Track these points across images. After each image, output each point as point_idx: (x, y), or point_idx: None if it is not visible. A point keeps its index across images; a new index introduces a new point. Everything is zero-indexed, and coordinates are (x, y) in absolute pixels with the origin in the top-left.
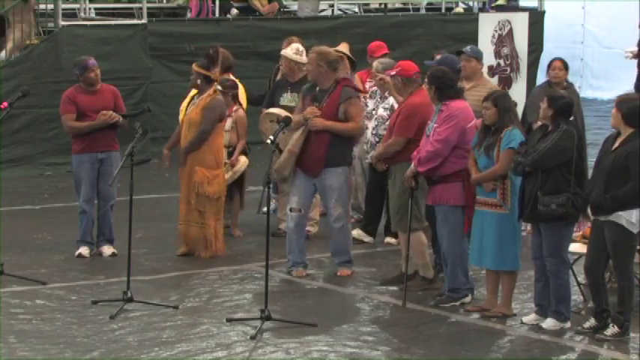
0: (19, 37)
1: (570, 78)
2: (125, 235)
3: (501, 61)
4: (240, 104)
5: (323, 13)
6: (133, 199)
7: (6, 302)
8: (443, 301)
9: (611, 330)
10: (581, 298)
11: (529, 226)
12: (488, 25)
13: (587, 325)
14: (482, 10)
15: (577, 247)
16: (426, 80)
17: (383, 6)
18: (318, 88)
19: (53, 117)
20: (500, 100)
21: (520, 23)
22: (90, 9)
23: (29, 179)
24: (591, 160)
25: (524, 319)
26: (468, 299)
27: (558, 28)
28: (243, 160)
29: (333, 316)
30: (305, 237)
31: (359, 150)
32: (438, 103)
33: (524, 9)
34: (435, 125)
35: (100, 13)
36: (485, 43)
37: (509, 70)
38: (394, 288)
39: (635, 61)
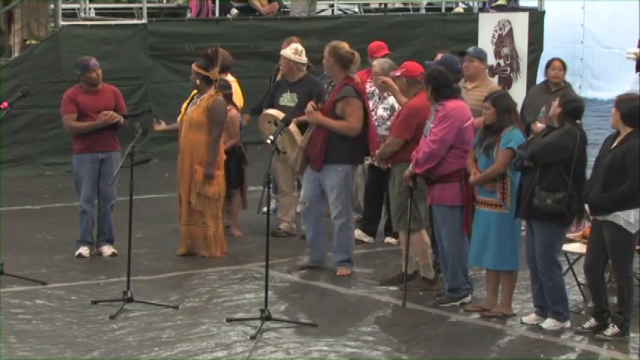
0: (27, 32)
1: (570, 78)
2: (125, 235)
3: (501, 61)
4: (234, 104)
5: (323, 13)
6: (133, 199)
7: (6, 302)
8: (443, 301)
9: (611, 330)
10: (581, 298)
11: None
12: (488, 25)
13: (587, 325)
14: (482, 10)
15: (577, 247)
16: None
17: (383, 6)
18: (333, 84)
19: (53, 117)
20: (499, 101)
21: (520, 23)
22: (90, 9)
23: (29, 179)
24: (591, 160)
25: (524, 319)
26: (467, 299)
27: (558, 28)
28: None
29: (333, 316)
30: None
31: None
32: (434, 103)
33: (524, 9)
34: (432, 126)
35: (100, 13)
36: (485, 43)
37: (509, 70)
38: (394, 288)
39: (634, 62)
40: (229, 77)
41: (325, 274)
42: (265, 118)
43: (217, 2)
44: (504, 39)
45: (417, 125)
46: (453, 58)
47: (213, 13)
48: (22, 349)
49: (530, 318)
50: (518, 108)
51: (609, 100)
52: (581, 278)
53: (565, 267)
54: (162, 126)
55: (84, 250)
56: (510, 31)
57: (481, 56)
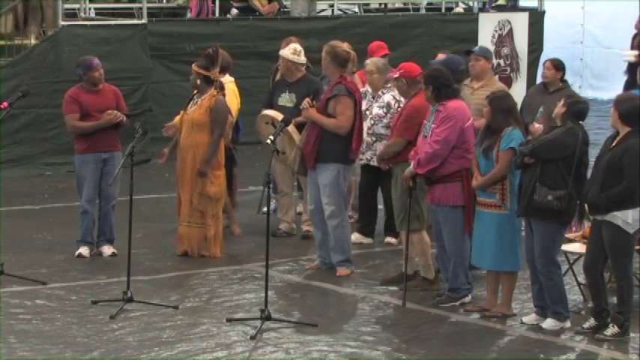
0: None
1: (570, 78)
2: (125, 235)
3: (501, 61)
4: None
5: (323, 13)
6: (133, 199)
7: (6, 302)
8: (443, 301)
9: (611, 330)
10: (581, 298)
11: None
12: (488, 25)
13: (586, 325)
14: (482, 10)
15: (577, 247)
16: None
17: (383, 6)
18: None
19: (53, 117)
20: (495, 101)
21: (520, 23)
22: (90, 9)
23: (29, 179)
24: (591, 160)
25: (524, 319)
26: (467, 299)
27: (558, 28)
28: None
29: (333, 316)
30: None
31: None
32: (434, 103)
33: (524, 9)
34: (433, 126)
35: (100, 13)
36: (486, 43)
37: (509, 70)
38: (394, 288)
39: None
40: (227, 78)
41: (325, 274)
42: (263, 119)
43: (217, 2)
44: (504, 39)
45: (420, 125)
46: (456, 59)
47: (213, 13)
48: (22, 349)
49: (530, 318)
50: (518, 108)
51: (609, 100)
52: (581, 278)
53: (565, 267)
54: (166, 155)
55: (84, 250)
56: (510, 31)
57: (487, 55)
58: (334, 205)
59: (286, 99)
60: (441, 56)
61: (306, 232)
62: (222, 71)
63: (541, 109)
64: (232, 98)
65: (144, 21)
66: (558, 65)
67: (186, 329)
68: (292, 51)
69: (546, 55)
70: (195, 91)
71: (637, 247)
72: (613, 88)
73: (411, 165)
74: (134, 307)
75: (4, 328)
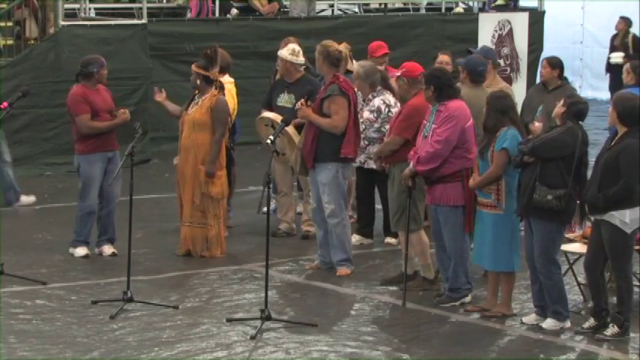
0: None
1: (570, 78)
2: (125, 235)
3: (501, 61)
4: None
5: (323, 13)
6: (133, 199)
7: (6, 302)
8: (443, 301)
9: (611, 330)
10: (581, 298)
11: None
12: (488, 25)
13: (586, 325)
14: (482, 10)
15: (577, 247)
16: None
17: (383, 6)
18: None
19: (53, 117)
20: (491, 101)
21: (520, 23)
22: (90, 9)
23: (29, 179)
24: (591, 160)
25: (525, 319)
26: (467, 299)
27: (558, 28)
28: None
29: (333, 316)
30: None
31: None
32: (435, 103)
33: (524, 9)
34: (434, 126)
35: (100, 13)
36: (486, 43)
37: (509, 70)
38: (394, 288)
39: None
40: (227, 78)
41: (325, 274)
42: (262, 121)
43: (217, 2)
44: (504, 39)
45: (419, 125)
46: (478, 59)
47: (213, 13)
48: (22, 349)
49: (530, 318)
50: (518, 108)
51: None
52: (581, 278)
53: (565, 267)
54: (162, 96)
55: (83, 250)
56: (510, 31)
57: (488, 55)
58: (334, 203)
59: (285, 99)
60: (443, 57)
61: (306, 232)
62: (222, 71)
63: (540, 108)
64: (229, 99)
65: (144, 21)
66: (554, 63)
67: (186, 329)
68: (290, 52)
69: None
70: (196, 92)
71: (637, 248)
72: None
73: (411, 164)
74: (134, 307)
75: (4, 328)
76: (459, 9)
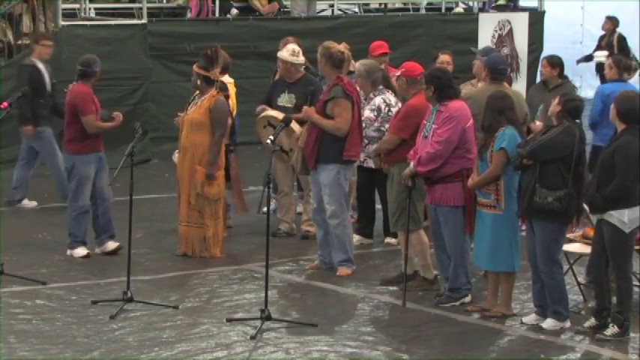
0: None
1: (570, 78)
2: (125, 235)
3: None
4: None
5: (323, 13)
6: (133, 199)
7: (6, 302)
8: (443, 301)
9: (611, 330)
10: (581, 298)
11: None
12: (488, 25)
13: (587, 324)
14: (482, 10)
15: (577, 247)
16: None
17: (383, 6)
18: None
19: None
20: (489, 100)
21: (520, 23)
22: (90, 9)
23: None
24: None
25: (524, 319)
26: (467, 299)
27: (558, 28)
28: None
29: (333, 316)
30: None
31: None
32: (435, 104)
33: (524, 9)
34: (435, 126)
35: (100, 13)
36: (485, 43)
37: (509, 70)
38: (394, 288)
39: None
40: (227, 79)
41: (325, 274)
42: (261, 122)
43: (217, 2)
44: (504, 39)
45: (416, 125)
46: (499, 57)
47: (213, 13)
48: (22, 349)
49: (530, 318)
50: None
51: None
52: (581, 278)
53: (565, 267)
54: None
55: (83, 251)
56: (510, 31)
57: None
58: (335, 204)
59: (285, 99)
60: (444, 57)
61: (306, 232)
62: (223, 72)
63: (541, 107)
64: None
65: (144, 21)
66: (554, 62)
67: (186, 329)
68: (290, 52)
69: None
70: (197, 92)
71: (637, 248)
72: None
73: (411, 164)
74: (134, 307)
75: (4, 328)
76: (459, 9)
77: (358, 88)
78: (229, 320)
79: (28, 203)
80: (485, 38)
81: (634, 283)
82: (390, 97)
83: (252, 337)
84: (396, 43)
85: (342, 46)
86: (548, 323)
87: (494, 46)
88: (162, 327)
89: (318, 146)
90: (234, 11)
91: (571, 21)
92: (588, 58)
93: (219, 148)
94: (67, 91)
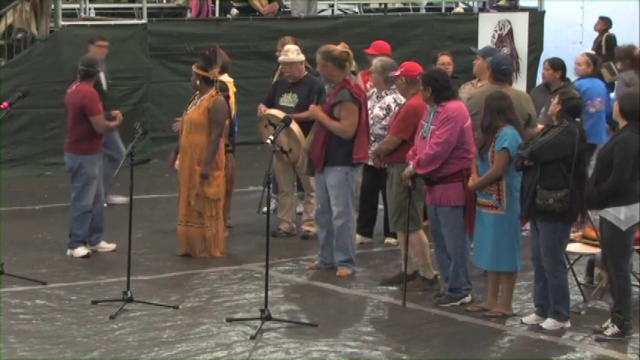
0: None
1: (570, 78)
2: (125, 235)
3: None
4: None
5: (323, 13)
6: (133, 199)
7: (6, 302)
8: (443, 301)
9: (611, 330)
10: (581, 298)
11: (528, 226)
12: (488, 25)
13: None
14: (482, 10)
15: (577, 247)
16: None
17: (383, 6)
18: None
19: (53, 117)
20: (488, 100)
21: (520, 23)
22: (90, 9)
23: (29, 179)
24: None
25: (525, 319)
26: (467, 299)
27: (558, 28)
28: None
29: (333, 316)
30: (325, 233)
31: None
32: (433, 105)
33: (524, 9)
34: (433, 127)
35: (100, 13)
36: (485, 43)
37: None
38: (394, 288)
39: None
40: (226, 78)
41: (325, 274)
42: (262, 122)
43: (217, 2)
44: (504, 39)
45: (416, 125)
46: (502, 57)
47: (213, 13)
48: (22, 349)
49: (531, 318)
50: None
51: None
52: (581, 278)
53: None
54: (172, 158)
55: (83, 250)
56: (510, 31)
57: (489, 55)
58: (342, 205)
59: (288, 99)
60: (444, 58)
61: (306, 232)
62: (222, 72)
63: (543, 109)
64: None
65: (144, 21)
66: (556, 65)
67: (186, 329)
68: (295, 52)
69: (546, 55)
70: (197, 92)
71: (637, 247)
72: None
73: (410, 165)
74: (134, 307)
75: (4, 328)
76: (459, 9)
77: (369, 85)
78: (229, 320)
79: (119, 199)
80: (485, 38)
81: (634, 283)
82: (402, 98)
83: (252, 337)
84: (396, 43)
85: (341, 47)
86: (549, 323)
87: (494, 46)
88: (162, 327)
89: (326, 149)
90: (234, 11)
91: (571, 21)
92: None
93: (215, 147)
94: (70, 92)
